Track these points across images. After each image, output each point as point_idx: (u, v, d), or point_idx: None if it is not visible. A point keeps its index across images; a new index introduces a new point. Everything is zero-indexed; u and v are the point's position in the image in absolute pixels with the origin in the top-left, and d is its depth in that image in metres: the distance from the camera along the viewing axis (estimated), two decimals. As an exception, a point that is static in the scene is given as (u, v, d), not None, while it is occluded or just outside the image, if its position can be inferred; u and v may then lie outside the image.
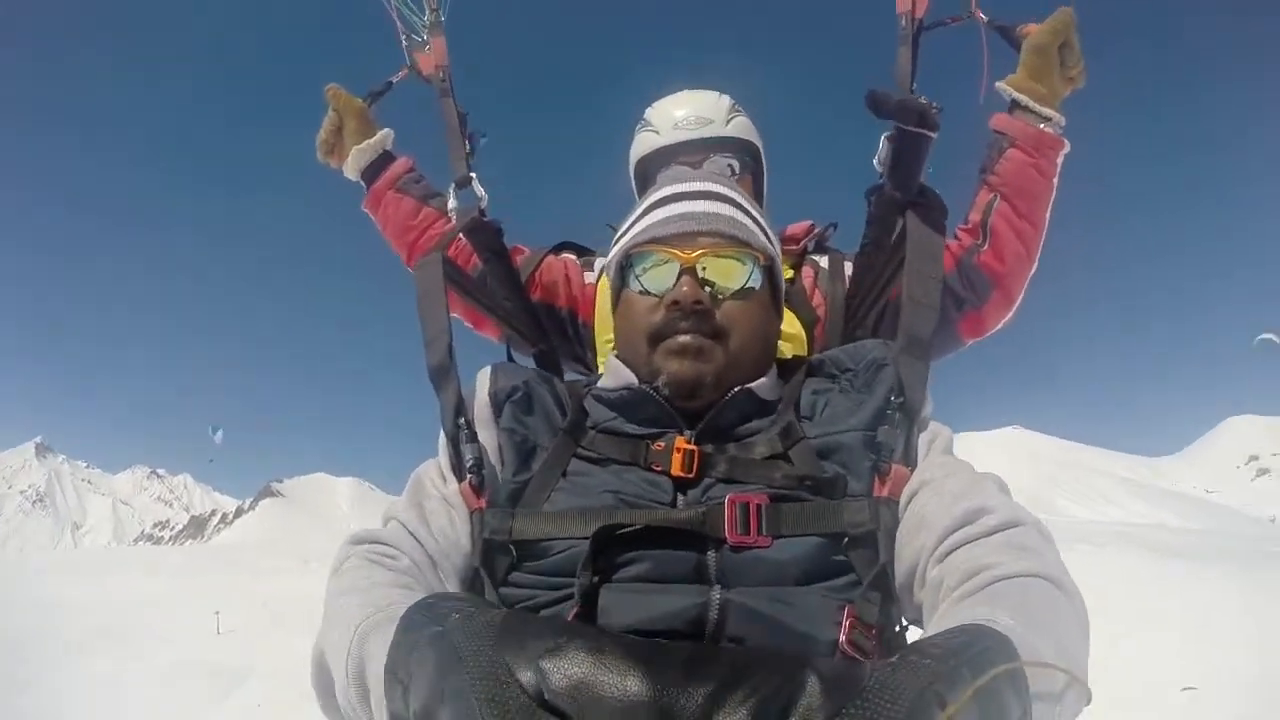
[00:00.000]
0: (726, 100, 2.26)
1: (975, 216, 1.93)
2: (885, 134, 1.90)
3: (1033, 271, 1.94)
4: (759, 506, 1.24)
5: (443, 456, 1.48)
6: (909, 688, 0.76)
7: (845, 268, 2.08)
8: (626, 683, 0.80)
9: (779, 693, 0.77)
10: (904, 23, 1.98)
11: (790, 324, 1.91)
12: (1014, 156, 1.87)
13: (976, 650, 0.82)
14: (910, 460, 1.33)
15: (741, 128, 2.24)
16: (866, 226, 2.01)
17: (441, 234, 2.07)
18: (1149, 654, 7.82)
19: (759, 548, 1.22)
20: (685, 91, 2.31)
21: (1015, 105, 1.90)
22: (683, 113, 2.22)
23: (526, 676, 0.82)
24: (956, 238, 1.96)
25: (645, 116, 2.30)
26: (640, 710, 0.78)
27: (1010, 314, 1.99)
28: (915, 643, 0.89)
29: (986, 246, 1.91)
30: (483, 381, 1.53)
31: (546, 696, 0.81)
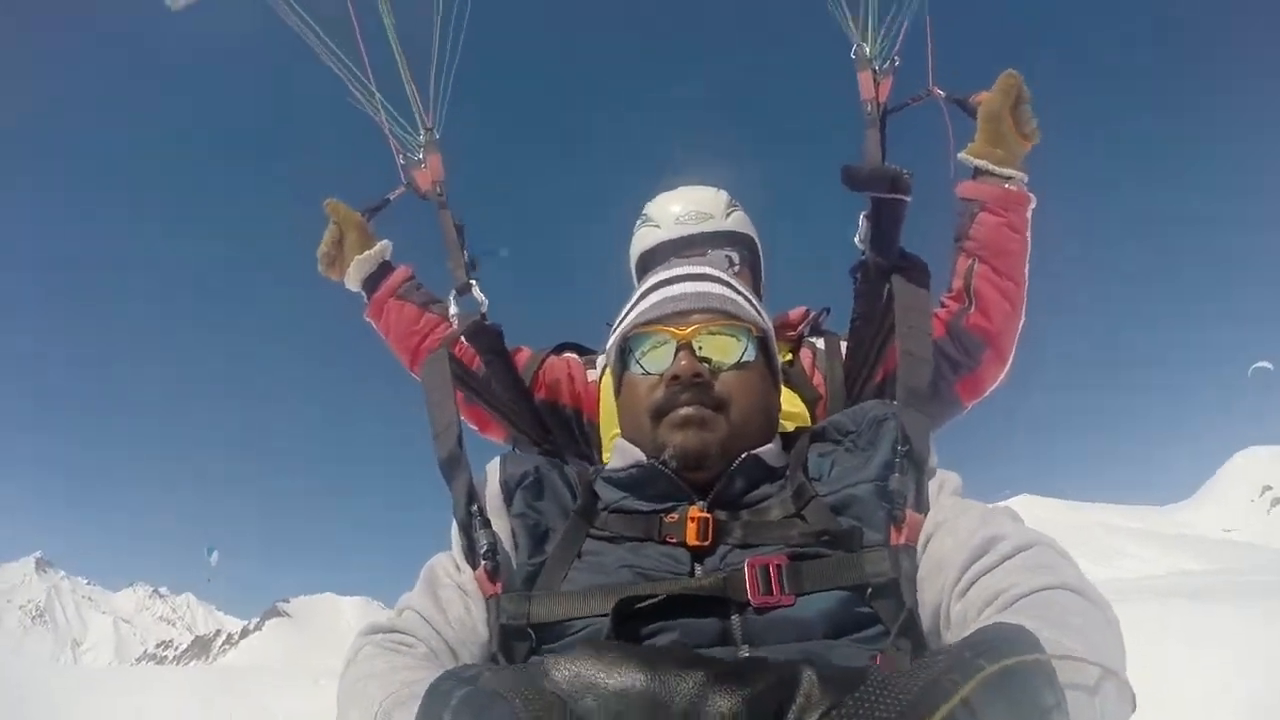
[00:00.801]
0: (724, 195, 2.34)
1: (958, 283, 2.00)
2: (863, 212, 1.99)
3: (1021, 325, 2.00)
4: (779, 566, 1.24)
5: (456, 546, 1.48)
6: (917, 680, 0.75)
7: (841, 347, 2.14)
8: (618, 671, 0.81)
9: (776, 684, 0.77)
10: (869, 108, 2.11)
11: (793, 403, 1.96)
12: (985, 219, 1.95)
13: (993, 642, 0.81)
14: (923, 506, 1.34)
15: (739, 222, 2.32)
16: (855, 302, 2.08)
17: (444, 337, 2.13)
18: (1189, 700, 7.54)
19: (784, 606, 1.22)
20: (683, 187, 2.38)
21: (978, 171, 1.98)
22: (682, 208, 2.29)
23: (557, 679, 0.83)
24: (944, 305, 2.02)
25: (645, 212, 2.38)
26: (632, 694, 0.79)
27: (1005, 371, 2.04)
28: (933, 650, 0.91)
29: (973, 309, 1.97)
30: (493, 471, 1.55)
31: (548, 688, 0.82)
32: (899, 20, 2.15)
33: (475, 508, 1.46)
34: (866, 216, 1.99)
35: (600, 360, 2.22)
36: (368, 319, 2.32)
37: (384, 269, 2.30)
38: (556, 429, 2.19)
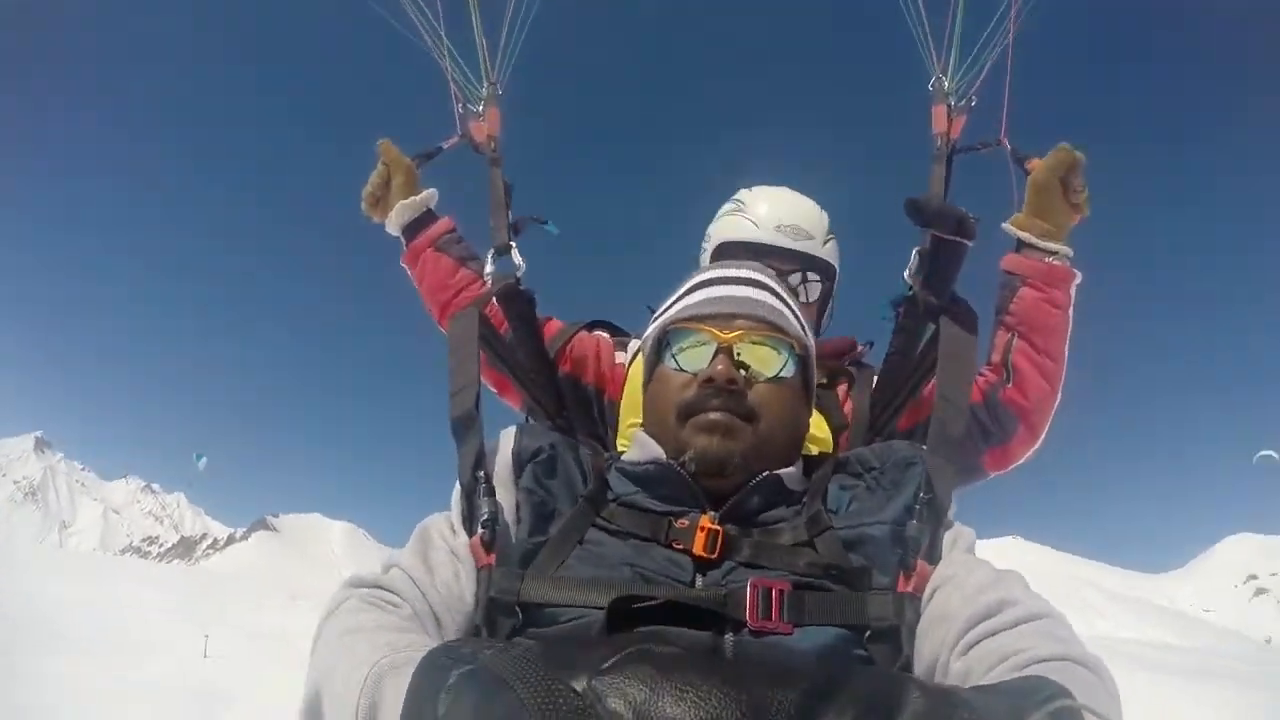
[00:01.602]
0: (826, 218, 2.28)
1: (996, 357, 1.97)
2: (917, 247, 1.96)
3: (1057, 404, 1.96)
4: (781, 592, 1.22)
5: (455, 510, 1.45)
6: (1006, 707, 0.76)
7: (873, 380, 2.11)
8: (695, 706, 0.75)
9: (882, 699, 0.75)
10: (939, 142, 2.09)
11: (820, 427, 1.92)
12: (1026, 295, 1.91)
13: (1048, 687, 0.82)
14: (935, 558, 1.32)
15: (833, 252, 2.28)
16: (893, 336, 2.05)
17: (476, 296, 2.09)
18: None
19: (780, 634, 1.20)
20: (790, 193, 2.32)
21: (1022, 244, 1.94)
22: (786, 216, 2.23)
23: (581, 689, 0.78)
24: (982, 374, 1.99)
25: (742, 199, 2.32)
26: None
27: (1035, 448, 2.01)
28: (988, 685, 0.90)
29: (1011, 383, 1.93)
30: (507, 439, 1.52)
31: (561, 683, 0.77)
32: (982, 60, 2.12)
33: (481, 474, 1.43)
34: (920, 252, 1.96)
35: (633, 344, 2.19)
36: (403, 265, 2.30)
37: (427, 217, 2.27)
38: (574, 406, 2.16)
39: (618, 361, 2.19)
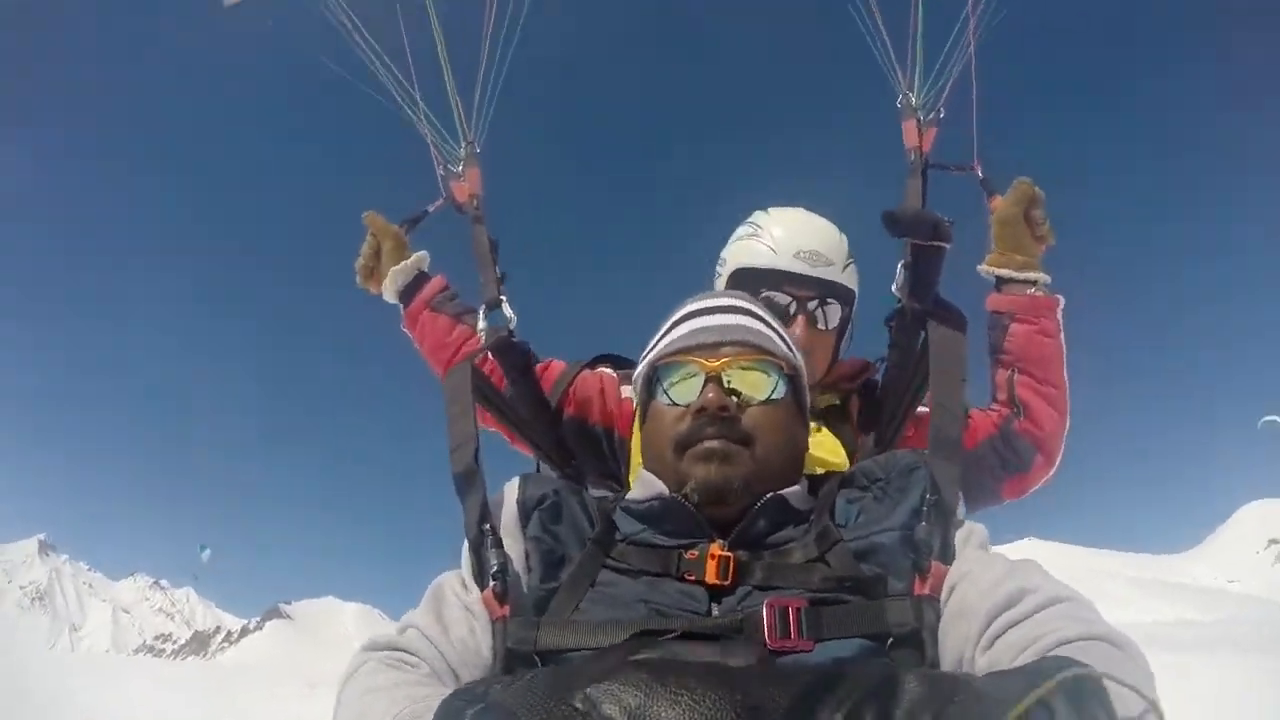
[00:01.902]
0: (846, 242, 2.23)
1: (1002, 395, 2.02)
2: (901, 261, 1.99)
3: (1067, 427, 2.00)
4: (798, 610, 1.21)
5: (465, 565, 1.45)
6: (1015, 684, 0.76)
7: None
8: (691, 693, 0.76)
9: (877, 692, 0.75)
10: (912, 156, 2.13)
11: (835, 452, 1.93)
12: (1017, 330, 1.97)
13: (1064, 663, 0.82)
14: (948, 557, 1.31)
15: (853, 277, 2.22)
16: (889, 351, 2.07)
17: (469, 352, 2.10)
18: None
19: (801, 651, 1.19)
20: (807, 215, 2.26)
21: (1001, 281, 2.00)
22: (806, 243, 2.15)
23: (579, 701, 0.78)
24: (993, 409, 2.03)
25: (758, 223, 2.25)
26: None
27: (1052, 473, 2.04)
28: (1000, 671, 0.91)
29: (1022, 417, 1.97)
30: (511, 490, 1.53)
31: (567, 708, 0.77)
32: (946, 73, 2.17)
33: (487, 526, 1.43)
34: (904, 265, 1.99)
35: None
36: (404, 330, 2.32)
37: (420, 279, 2.30)
38: (584, 447, 2.15)
39: (624, 396, 2.17)
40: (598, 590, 1.37)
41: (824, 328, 2.14)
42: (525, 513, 1.47)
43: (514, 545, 1.45)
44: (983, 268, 2.04)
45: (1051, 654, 1.01)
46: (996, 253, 2.02)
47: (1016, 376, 1.98)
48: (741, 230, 2.30)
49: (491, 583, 1.37)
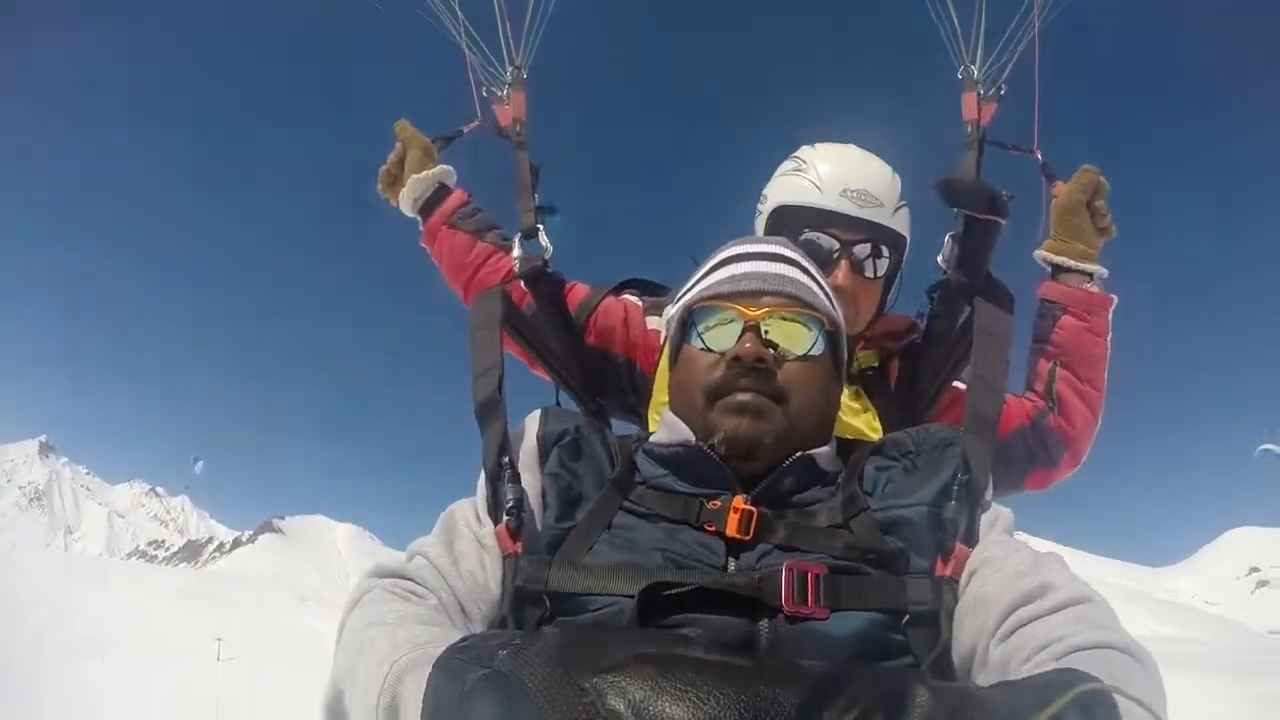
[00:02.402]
0: (899, 183, 2.07)
1: (1040, 386, 1.97)
2: (950, 233, 1.93)
3: (1098, 429, 1.96)
4: (817, 576, 1.18)
5: (480, 497, 1.42)
6: (1026, 699, 0.75)
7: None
8: (695, 706, 0.74)
9: (887, 698, 0.73)
10: (970, 129, 2.06)
11: (872, 426, 1.88)
12: (1068, 324, 1.91)
13: (1076, 676, 0.81)
14: (972, 540, 1.29)
15: (904, 221, 2.07)
16: (928, 322, 2.02)
17: (497, 271, 2.08)
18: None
19: (816, 619, 1.16)
20: (858, 152, 2.11)
21: (1058, 269, 1.94)
22: (855, 181, 2.00)
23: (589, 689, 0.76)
24: (1029, 398, 1.99)
25: (803, 158, 2.10)
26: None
27: (1075, 471, 2.01)
28: (1011, 681, 0.89)
29: (1057, 412, 1.93)
30: (532, 424, 1.49)
31: (580, 694, 0.76)
32: (1010, 48, 2.10)
33: (506, 459, 1.40)
34: (953, 237, 1.94)
35: (668, 310, 2.02)
36: (423, 246, 2.24)
37: (440, 193, 2.20)
38: (605, 378, 2.10)
39: (650, 328, 2.10)
40: (613, 533, 1.33)
41: (871, 275, 2.00)
42: (545, 448, 1.44)
43: (531, 480, 1.41)
44: (1040, 254, 1.98)
45: (1065, 663, 0.98)
46: (1056, 239, 1.95)
47: (1058, 370, 1.93)
48: (786, 165, 2.15)
49: (506, 518, 1.34)
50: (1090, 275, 1.93)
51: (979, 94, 2.10)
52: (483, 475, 1.43)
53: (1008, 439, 1.92)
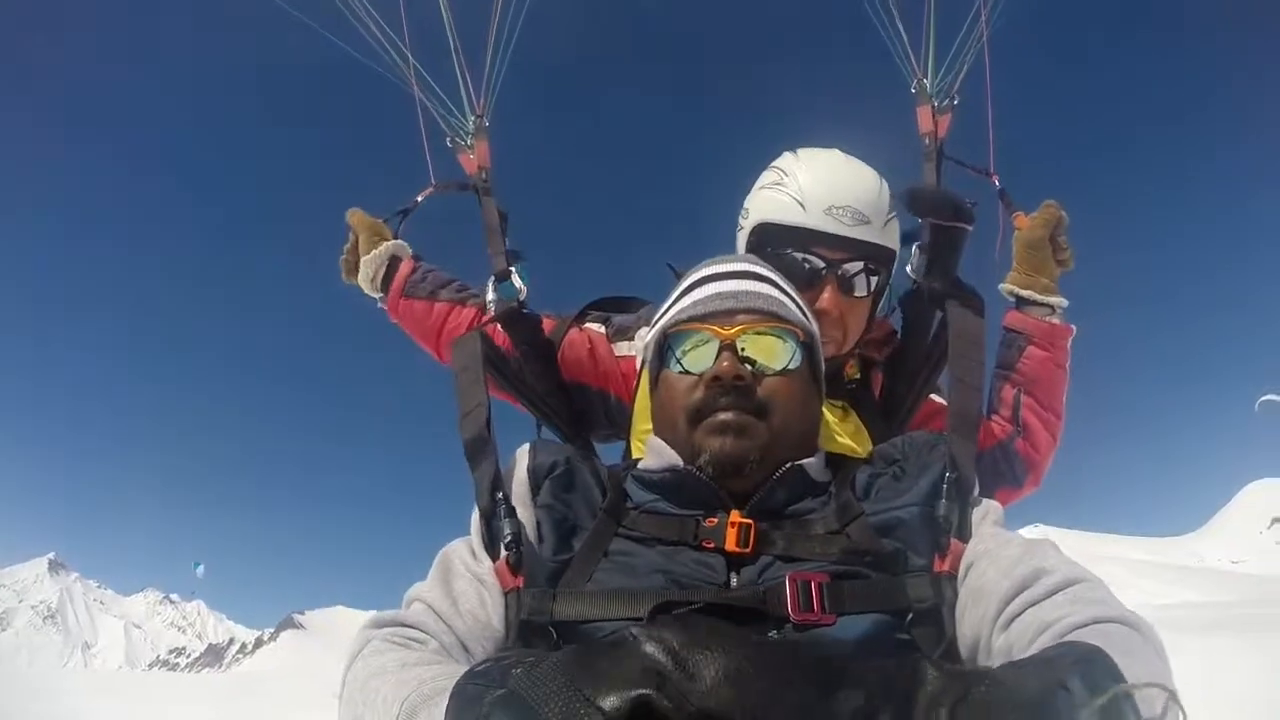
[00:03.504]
0: (888, 194, 1.95)
1: (1006, 412, 2.01)
2: (917, 244, 1.98)
3: (1056, 452, 2.02)
4: (820, 584, 1.20)
5: (475, 534, 1.42)
6: (1031, 672, 0.77)
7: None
8: (728, 652, 0.74)
9: (896, 681, 0.74)
10: (927, 142, 2.12)
11: (860, 440, 1.86)
12: (1034, 354, 1.98)
13: (1076, 647, 0.85)
14: (965, 534, 1.32)
15: (894, 234, 1.97)
16: (902, 332, 2.06)
17: (462, 322, 2.11)
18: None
19: (823, 625, 1.17)
20: (843, 161, 1.99)
21: (1023, 301, 1.99)
22: (840, 197, 1.88)
23: (610, 703, 0.73)
24: (996, 422, 2.02)
25: (784, 168, 1.99)
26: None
27: (1035, 490, 2.07)
28: (1015, 660, 0.90)
29: (1023, 437, 1.98)
30: (521, 458, 1.50)
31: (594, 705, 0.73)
32: (960, 60, 2.15)
33: (500, 494, 1.41)
34: (920, 247, 1.99)
35: (640, 333, 2.05)
36: (393, 322, 2.27)
37: (393, 266, 2.24)
38: (585, 411, 2.11)
39: (619, 355, 2.08)
40: (612, 560, 1.34)
41: (860, 294, 1.92)
42: (536, 481, 1.46)
43: (525, 514, 1.42)
44: (1005, 287, 2.04)
45: (1066, 639, 1.01)
46: (1020, 273, 2.02)
47: (1023, 397, 2.00)
48: (766, 176, 2.04)
49: (505, 552, 1.35)
50: (1053, 308, 2.00)
51: (933, 106, 2.15)
52: (476, 512, 1.43)
53: (983, 455, 1.93)
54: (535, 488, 1.44)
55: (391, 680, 1.07)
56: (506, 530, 1.35)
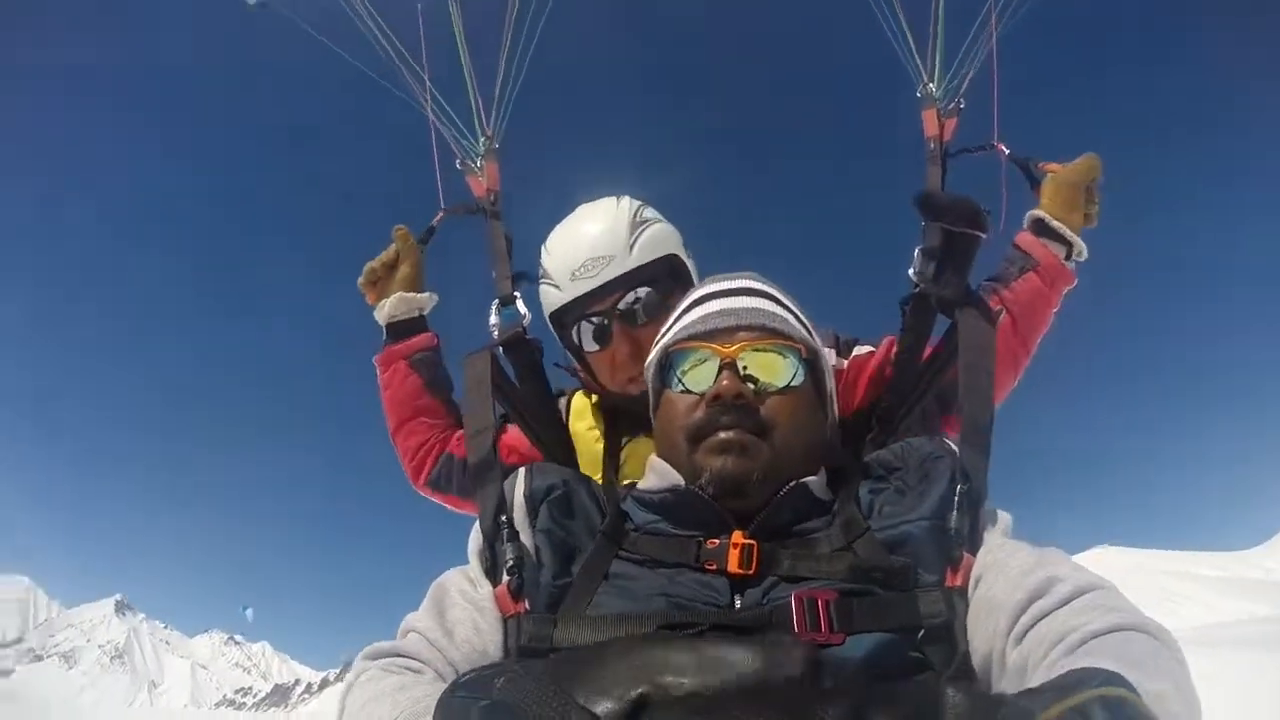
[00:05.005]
0: (626, 212, 2.00)
1: None
2: (919, 247, 1.90)
3: (1010, 391, 1.96)
4: (828, 602, 1.17)
5: (474, 560, 1.41)
6: (1050, 700, 0.74)
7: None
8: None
9: (922, 704, 0.73)
10: (932, 145, 2.08)
11: None
12: (1031, 281, 1.91)
13: (1097, 674, 0.81)
14: (976, 547, 1.27)
15: (649, 245, 1.98)
16: (901, 335, 1.95)
17: (431, 432, 2.12)
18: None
19: (832, 645, 1.14)
20: (573, 221, 2.05)
21: (1044, 230, 1.92)
22: (575, 257, 1.94)
23: (604, 707, 0.76)
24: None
25: (542, 262, 2.05)
26: None
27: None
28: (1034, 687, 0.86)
29: None
30: (518, 482, 1.47)
31: (578, 704, 0.76)
32: (967, 63, 2.13)
33: (504, 518, 1.40)
34: (923, 251, 1.90)
35: (562, 402, 2.14)
36: (374, 362, 2.20)
37: (417, 323, 2.19)
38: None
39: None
40: (612, 583, 1.32)
41: (644, 319, 1.93)
42: (534, 505, 1.43)
43: (524, 538, 1.40)
44: (1037, 211, 1.97)
45: (1083, 651, 0.98)
46: (1055, 204, 1.95)
47: (1003, 318, 1.90)
48: (539, 276, 2.10)
49: (506, 578, 1.33)
50: (1069, 251, 1.94)
51: (939, 110, 2.13)
52: (475, 537, 1.44)
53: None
54: (533, 512, 1.42)
55: (387, 703, 1.08)
56: (509, 555, 1.34)
